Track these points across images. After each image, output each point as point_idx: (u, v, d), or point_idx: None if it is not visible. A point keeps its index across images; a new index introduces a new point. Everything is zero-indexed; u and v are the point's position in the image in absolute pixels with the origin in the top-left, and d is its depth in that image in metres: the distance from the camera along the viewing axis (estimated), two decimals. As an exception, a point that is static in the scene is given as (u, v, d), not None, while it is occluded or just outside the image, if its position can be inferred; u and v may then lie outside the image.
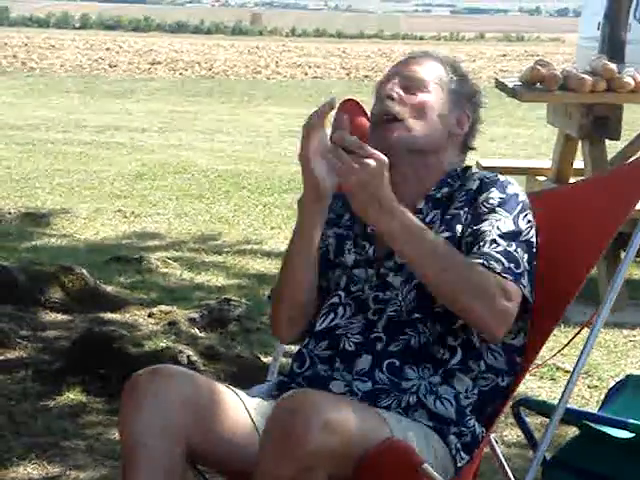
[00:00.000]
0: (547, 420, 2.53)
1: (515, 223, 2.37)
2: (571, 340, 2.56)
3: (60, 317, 4.88)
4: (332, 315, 2.43)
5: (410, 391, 2.31)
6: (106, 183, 8.80)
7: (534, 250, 2.39)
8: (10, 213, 7.38)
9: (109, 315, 4.90)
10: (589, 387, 4.35)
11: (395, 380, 2.32)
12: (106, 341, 4.22)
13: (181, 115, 14.15)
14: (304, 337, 2.47)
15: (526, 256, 2.35)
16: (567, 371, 4.37)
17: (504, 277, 2.28)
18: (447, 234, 2.38)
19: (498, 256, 2.30)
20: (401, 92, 2.45)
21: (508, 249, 2.32)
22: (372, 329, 2.37)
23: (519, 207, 2.40)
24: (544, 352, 2.45)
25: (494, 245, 2.32)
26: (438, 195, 2.45)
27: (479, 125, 2.56)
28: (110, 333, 4.31)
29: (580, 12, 25.84)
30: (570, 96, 5.59)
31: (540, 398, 3.89)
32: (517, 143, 11.97)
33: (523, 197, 2.43)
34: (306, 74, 21.44)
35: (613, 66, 5.63)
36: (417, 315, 2.36)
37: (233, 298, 5.02)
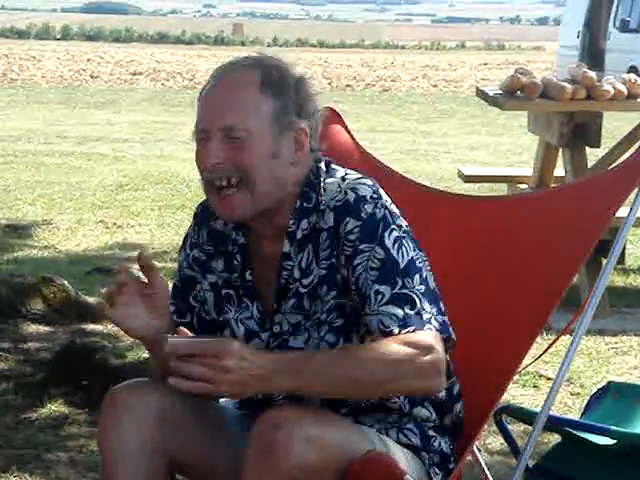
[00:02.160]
0: (530, 427, 2.53)
1: (384, 249, 2.13)
2: (550, 346, 2.56)
3: (42, 329, 4.86)
4: None
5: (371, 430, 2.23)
6: (88, 194, 8.78)
7: (418, 261, 2.16)
8: (-9, 225, 7.36)
9: (91, 326, 4.88)
10: (571, 394, 4.36)
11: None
12: (88, 352, 4.21)
13: (163, 125, 14.13)
14: None
15: (416, 278, 2.13)
16: (549, 378, 4.38)
17: (407, 333, 2.08)
18: (336, 296, 2.18)
19: (389, 309, 2.09)
20: (222, 156, 2.18)
21: (394, 292, 2.11)
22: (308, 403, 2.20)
23: (380, 227, 2.14)
24: (526, 359, 2.45)
25: (379, 297, 2.11)
26: (299, 234, 2.20)
27: (318, 117, 2.21)
28: (92, 344, 4.30)
29: (560, 21, 25.97)
30: (550, 104, 5.61)
31: (523, 405, 3.89)
32: (499, 151, 12.00)
33: (381, 210, 2.15)
34: (288, 84, 21.41)
35: (593, 74, 5.66)
36: None
37: (215, 308, 5.00)
